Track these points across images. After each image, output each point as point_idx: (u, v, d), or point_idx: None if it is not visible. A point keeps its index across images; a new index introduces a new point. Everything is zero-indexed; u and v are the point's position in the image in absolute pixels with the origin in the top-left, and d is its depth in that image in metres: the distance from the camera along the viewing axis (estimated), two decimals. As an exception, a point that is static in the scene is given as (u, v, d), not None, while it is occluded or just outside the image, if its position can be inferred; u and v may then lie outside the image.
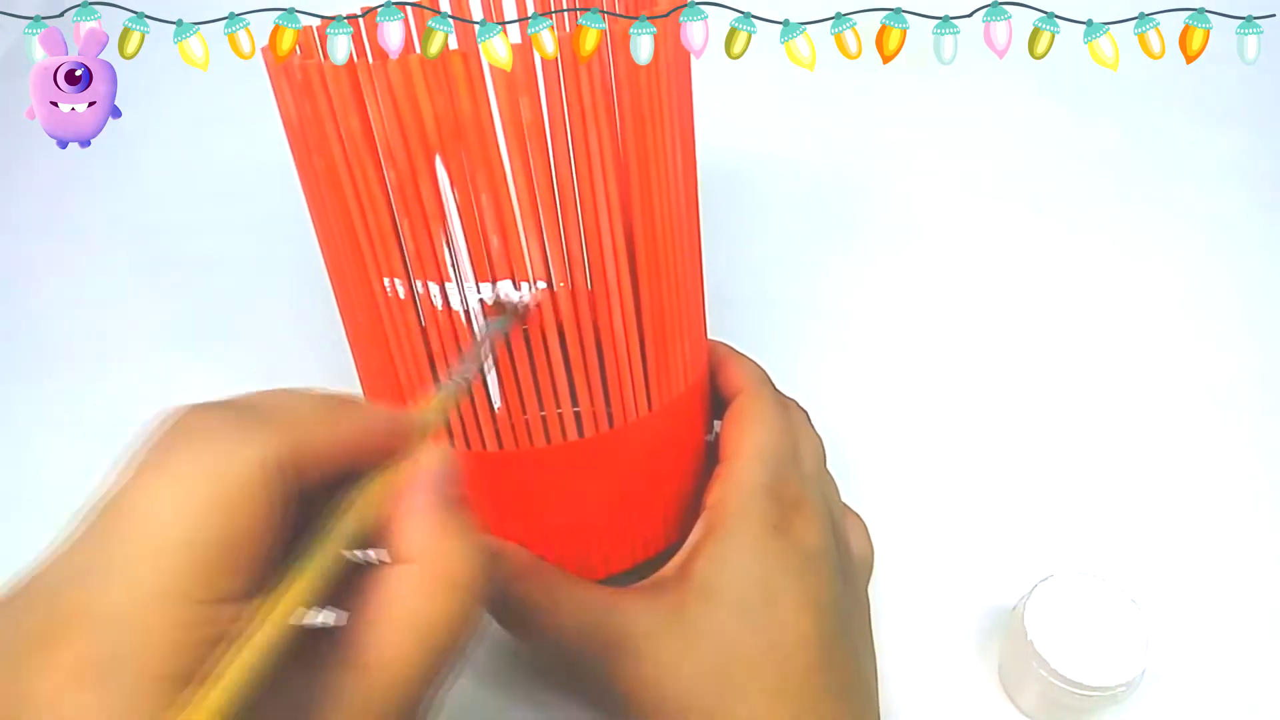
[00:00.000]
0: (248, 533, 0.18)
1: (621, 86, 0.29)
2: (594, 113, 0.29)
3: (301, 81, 0.28)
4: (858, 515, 0.37)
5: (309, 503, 0.21)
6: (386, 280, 0.31)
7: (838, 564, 0.33)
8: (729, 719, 0.29)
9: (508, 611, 0.32)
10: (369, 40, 0.36)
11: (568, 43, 0.28)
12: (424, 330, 0.31)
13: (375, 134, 0.28)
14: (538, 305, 0.30)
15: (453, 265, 0.30)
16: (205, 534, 0.18)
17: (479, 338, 0.29)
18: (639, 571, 0.34)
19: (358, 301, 0.32)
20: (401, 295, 0.31)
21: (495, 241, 0.29)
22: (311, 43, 0.34)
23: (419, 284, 0.30)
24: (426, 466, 0.22)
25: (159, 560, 0.17)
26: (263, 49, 0.31)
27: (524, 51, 0.28)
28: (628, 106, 0.29)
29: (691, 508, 0.35)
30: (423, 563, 0.21)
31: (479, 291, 0.30)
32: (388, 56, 0.27)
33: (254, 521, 0.18)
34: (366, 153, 0.28)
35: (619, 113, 0.29)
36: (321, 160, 0.29)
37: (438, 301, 0.30)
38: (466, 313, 0.31)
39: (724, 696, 0.29)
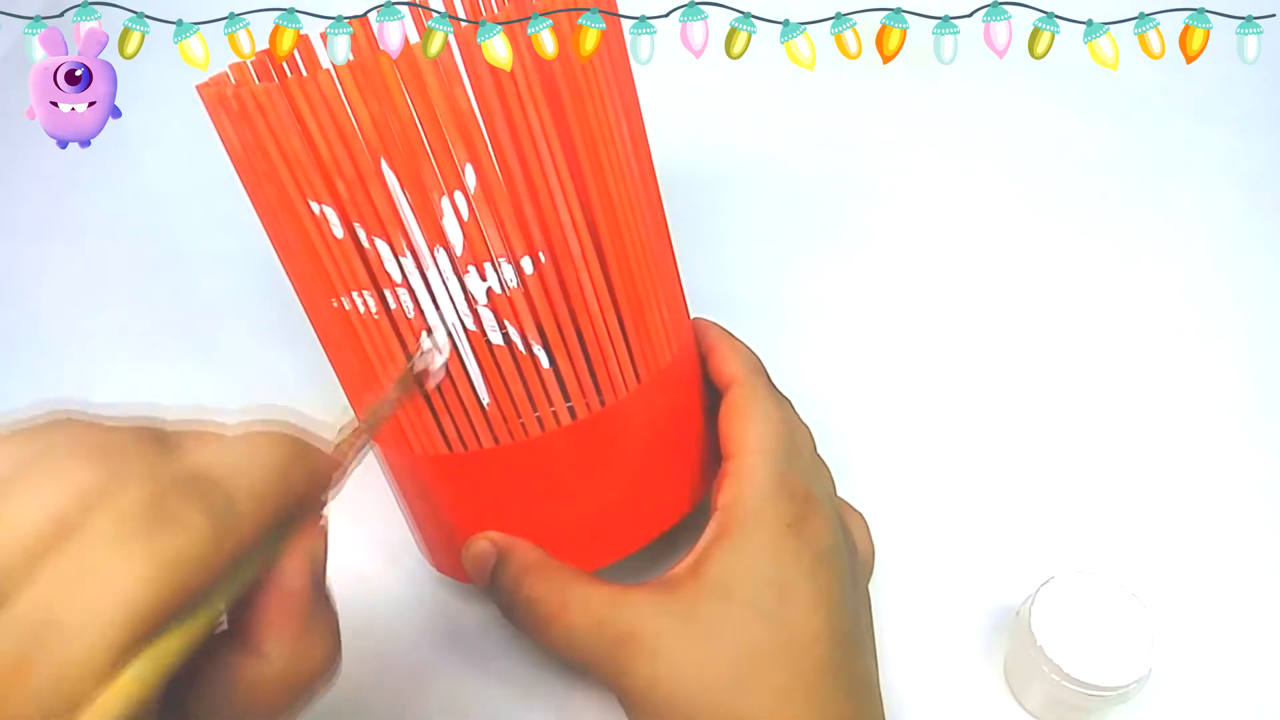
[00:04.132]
0: None
1: (556, 69, 0.29)
2: (530, 93, 0.29)
3: (238, 110, 0.28)
4: (858, 512, 0.37)
5: None
6: (356, 295, 0.30)
7: (847, 561, 0.33)
8: (742, 717, 0.29)
9: (517, 611, 0.32)
10: (301, 56, 0.36)
11: (511, 33, 0.28)
12: (401, 339, 0.31)
13: (319, 149, 0.28)
14: (441, 366, 0.31)
15: (417, 268, 0.30)
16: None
17: (379, 406, 0.29)
18: (648, 567, 0.34)
19: (332, 322, 0.32)
20: (374, 309, 0.31)
21: (456, 236, 0.29)
22: (246, 74, 0.34)
23: (389, 294, 0.30)
24: (299, 560, 0.22)
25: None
26: (198, 86, 0.31)
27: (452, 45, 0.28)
28: (563, 83, 0.29)
29: (699, 477, 0.35)
30: (283, 663, 0.22)
31: (447, 290, 0.30)
32: (318, 71, 0.28)
33: None
34: (314, 169, 0.28)
35: (557, 90, 0.29)
36: (271, 186, 0.29)
37: (409, 308, 0.30)
38: (439, 312, 0.31)
39: (736, 695, 0.29)
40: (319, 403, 0.44)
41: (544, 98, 0.29)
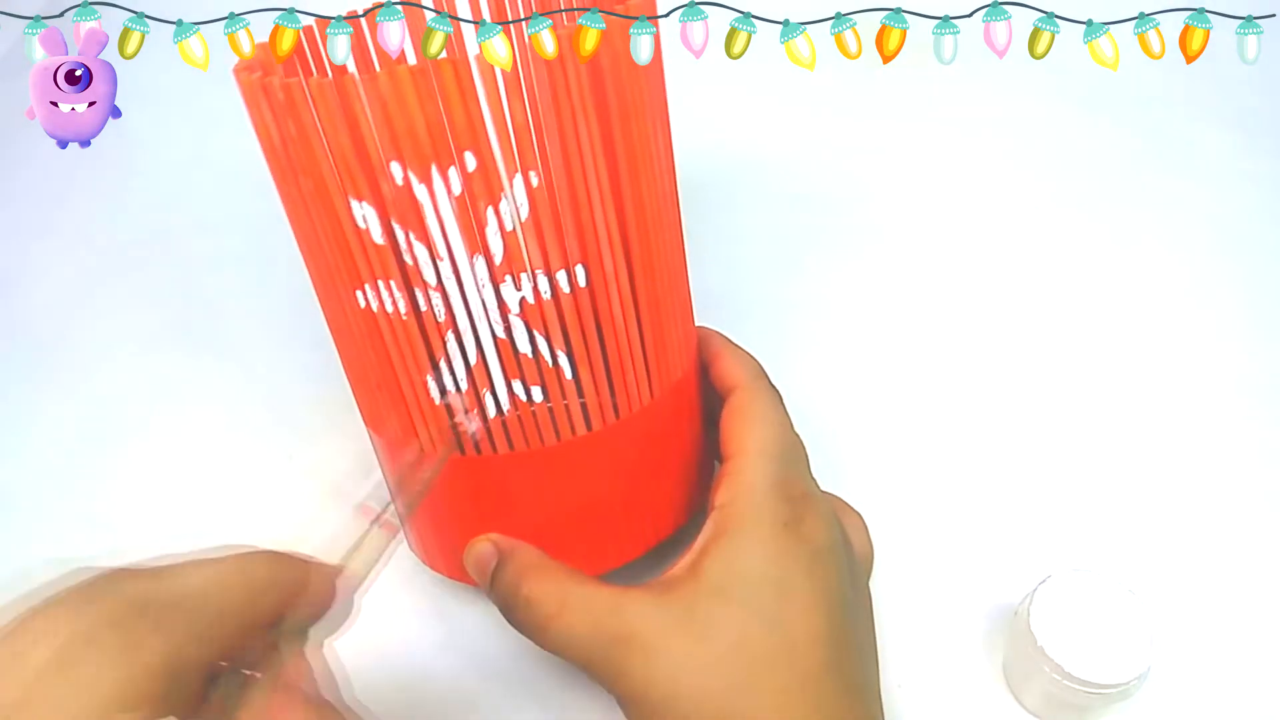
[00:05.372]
0: None
1: (608, 83, 0.29)
2: (583, 109, 0.29)
3: (284, 101, 0.28)
4: (857, 512, 0.37)
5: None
6: (386, 294, 0.30)
7: (846, 561, 0.33)
8: (740, 717, 0.29)
9: (516, 612, 0.32)
10: (309, 51, 0.35)
11: (564, 42, 0.28)
12: (428, 344, 0.31)
13: (369, 148, 0.28)
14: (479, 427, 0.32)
15: (454, 274, 0.30)
16: None
17: (410, 483, 0.30)
18: (645, 568, 0.34)
19: (355, 322, 0.32)
20: (403, 311, 0.31)
21: (497, 246, 0.29)
22: (271, 60, 0.34)
23: (419, 295, 0.30)
24: (290, 670, 0.23)
25: None
26: (234, 69, 0.30)
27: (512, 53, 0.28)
28: (614, 101, 0.29)
29: (696, 490, 0.36)
30: None
31: (481, 297, 0.30)
32: (375, 70, 0.27)
33: None
34: (359, 168, 0.28)
35: (607, 107, 0.29)
36: (309, 180, 0.29)
37: (440, 312, 0.30)
38: (470, 317, 0.31)
39: (735, 694, 0.29)
40: (319, 402, 0.44)
41: (595, 112, 0.29)
